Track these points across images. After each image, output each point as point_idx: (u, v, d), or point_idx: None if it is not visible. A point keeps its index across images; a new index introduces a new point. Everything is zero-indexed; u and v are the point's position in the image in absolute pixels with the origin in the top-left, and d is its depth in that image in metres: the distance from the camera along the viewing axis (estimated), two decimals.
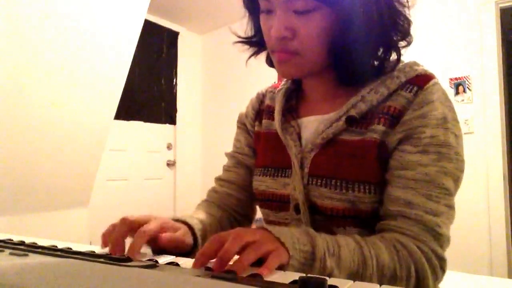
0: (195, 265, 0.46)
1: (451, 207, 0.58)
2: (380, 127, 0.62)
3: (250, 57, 0.75)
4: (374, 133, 0.62)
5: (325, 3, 0.58)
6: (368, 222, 0.62)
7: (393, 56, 0.65)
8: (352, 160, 0.62)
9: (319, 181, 0.64)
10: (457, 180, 0.60)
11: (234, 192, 0.81)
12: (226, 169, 0.85)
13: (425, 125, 0.59)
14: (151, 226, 0.57)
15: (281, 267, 0.46)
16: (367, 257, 0.52)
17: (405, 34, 0.64)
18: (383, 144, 0.62)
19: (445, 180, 0.58)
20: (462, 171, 0.61)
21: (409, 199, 0.57)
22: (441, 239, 0.57)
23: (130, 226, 0.58)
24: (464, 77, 2.74)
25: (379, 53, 0.64)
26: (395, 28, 0.63)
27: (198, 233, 0.66)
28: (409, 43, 0.65)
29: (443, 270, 0.57)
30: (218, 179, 0.85)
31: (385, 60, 0.65)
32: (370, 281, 0.51)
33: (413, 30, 0.65)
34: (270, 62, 0.74)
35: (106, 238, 0.58)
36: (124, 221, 0.58)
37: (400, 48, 0.65)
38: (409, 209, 0.57)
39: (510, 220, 2.59)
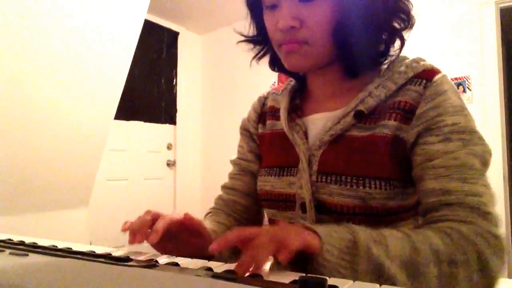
0: (218, 244, 0.44)
1: (488, 187, 0.57)
2: (392, 122, 0.62)
3: (253, 58, 0.75)
4: (385, 129, 0.62)
5: None
6: (378, 219, 0.60)
7: (398, 44, 0.66)
8: (362, 156, 0.62)
9: (329, 178, 0.63)
10: (485, 164, 0.58)
11: (240, 199, 0.81)
12: (231, 176, 0.85)
13: (443, 114, 0.59)
14: (175, 215, 0.57)
15: (318, 258, 0.44)
16: (418, 243, 0.48)
17: (407, 17, 0.64)
18: (398, 140, 0.61)
19: (475, 162, 0.57)
20: (490, 154, 0.59)
21: (445, 187, 0.55)
22: (490, 217, 0.54)
23: (154, 217, 0.58)
24: (464, 77, 2.74)
25: (383, 38, 0.65)
26: (398, 11, 0.63)
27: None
28: (411, 26, 0.65)
29: (503, 249, 0.52)
30: (224, 187, 0.85)
31: (389, 45, 0.66)
32: (427, 270, 0.47)
33: (413, 29, 0.65)
34: (273, 66, 0.75)
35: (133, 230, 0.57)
36: (148, 212, 0.58)
37: (402, 31, 0.65)
38: (448, 196, 0.55)
39: (510, 220, 2.59)
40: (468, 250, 0.50)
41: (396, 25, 0.64)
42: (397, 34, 0.65)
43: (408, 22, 0.64)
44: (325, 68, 0.68)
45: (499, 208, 2.54)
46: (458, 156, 0.57)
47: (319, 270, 0.44)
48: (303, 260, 0.44)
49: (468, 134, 0.58)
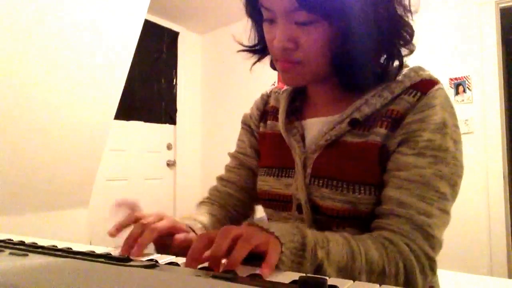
0: (186, 266, 0.46)
1: (445, 211, 0.58)
2: (382, 130, 0.62)
3: (254, 64, 0.75)
4: (376, 136, 0.62)
5: (322, 17, 0.58)
6: (368, 223, 0.62)
7: (396, 63, 0.65)
8: (354, 162, 0.63)
9: (321, 181, 0.65)
10: (454, 186, 0.59)
11: (234, 193, 0.82)
12: (228, 169, 0.86)
13: (424, 129, 0.59)
14: (162, 224, 0.59)
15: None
16: (356, 253, 0.52)
17: (407, 42, 0.64)
18: (384, 147, 0.62)
19: (440, 184, 0.58)
20: (459, 176, 0.60)
21: (402, 199, 0.58)
22: (432, 240, 0.56)
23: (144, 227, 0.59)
24: (464, 77, 2.74)
25: (382, 61, 0.65)
26: (397, 37, 0.63)
27: None
28: (411, 52, 0.65)
29: (432, 270, 0.56)
30: (220, 179, 0.86)
31: (388, 68, 0.65)
32: (359, 276, 0.51)
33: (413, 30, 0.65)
34: (274, 66, 0.75)
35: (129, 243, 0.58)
36: (138, 222, 0.60)
37: (403, 56, 0.65)
38: (401, 208, 0.57)
39: (510, 220, 2.59)
40: (399, 264, 0.54)
41: (394, 48, 0.64)
42: (396, 57, 0.64)
43: (408, 45, 0.64)
44: (323, 80, 0.68)
45: (499, 208, 2.55)
46: (424, 174, 0.58)
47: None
48: (252, 258, 0.46)
49: (441, 153, 0.59)
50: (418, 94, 0.62)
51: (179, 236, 0.60)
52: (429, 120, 0.60)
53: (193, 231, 0.68)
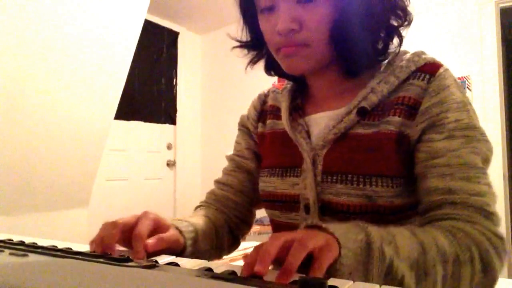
0: (243, 272, 0.40)
1: (490, 185, 0.57)
2: (396, 118, 0.61)
3: (248, 64, 0.74)
4: (390, 125, 0.61)
5: None
6: (386, 218, 0.60)
7: (396, 41, 0.65)
8: (368, 154, 0.61)
9: (334, 177, 0.62)
10: (487, 160, 0.59)
11: (232, 196, 0.80)
12: (225, 172, 0.84)
13: (446, 110, 0.59)
14: (143, 228, 0.54)
15: (335, 262, 0.41)
16: (426, 244, 0.48)
17: (404, 13, 0.64)
18: (403, 136, 0.61)
19: (477, 160, 0.57)
20: (491, 151, 0.60)
21: (449, 186, 0.55)
22: (493, 218, 0.55)
23: (120, 230, 0.54)
24: (464, 77, 2.74)
25: (381, 35, 0.64)
26: (395, 8, 0.63)
27: (187, 235, 0.63)
28: (409, 22, 0.65)
29: (504, 250, 0.53)
30: (218, 182, 0.84)
31: (388, 43, 0.65)
32: (434, 271, 0.47)
33: (412, 30, 0.65)
34: (269, 71, 0.74)
35: (96, 246, 0.54)
36: (114, 225, 0.55)
37: (401, 29, 0.65)
38: (453, 195, 0.55)
39: (510, 220, 2.59)
40: (472, 249, 0.50)
41: (393, 22, 0.64)
42: (395, 31, 0.64)
43: (405, 18, 0.64)
44: (323, 70, 0.67)
45: (499, 208, 2.55)
46: (461, 155, 0.56)
47: (333, 273, 0.41)
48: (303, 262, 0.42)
49: (471, 131, 0.58)
50: (427, 76, 0.62)
51: (151, 243, 0.52)
52: (449, 100, 0.59)
53: (180, 231, 0.62)
